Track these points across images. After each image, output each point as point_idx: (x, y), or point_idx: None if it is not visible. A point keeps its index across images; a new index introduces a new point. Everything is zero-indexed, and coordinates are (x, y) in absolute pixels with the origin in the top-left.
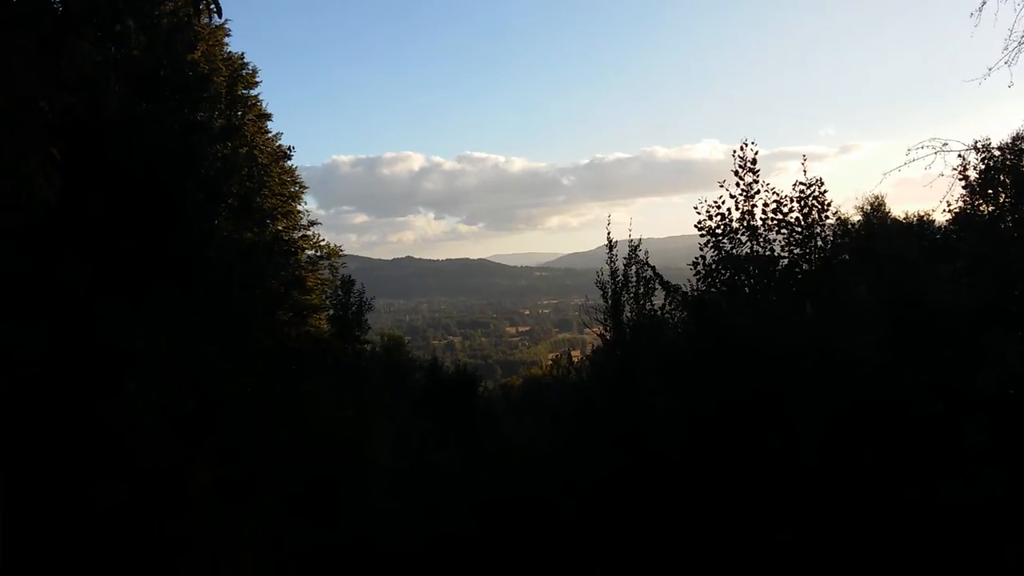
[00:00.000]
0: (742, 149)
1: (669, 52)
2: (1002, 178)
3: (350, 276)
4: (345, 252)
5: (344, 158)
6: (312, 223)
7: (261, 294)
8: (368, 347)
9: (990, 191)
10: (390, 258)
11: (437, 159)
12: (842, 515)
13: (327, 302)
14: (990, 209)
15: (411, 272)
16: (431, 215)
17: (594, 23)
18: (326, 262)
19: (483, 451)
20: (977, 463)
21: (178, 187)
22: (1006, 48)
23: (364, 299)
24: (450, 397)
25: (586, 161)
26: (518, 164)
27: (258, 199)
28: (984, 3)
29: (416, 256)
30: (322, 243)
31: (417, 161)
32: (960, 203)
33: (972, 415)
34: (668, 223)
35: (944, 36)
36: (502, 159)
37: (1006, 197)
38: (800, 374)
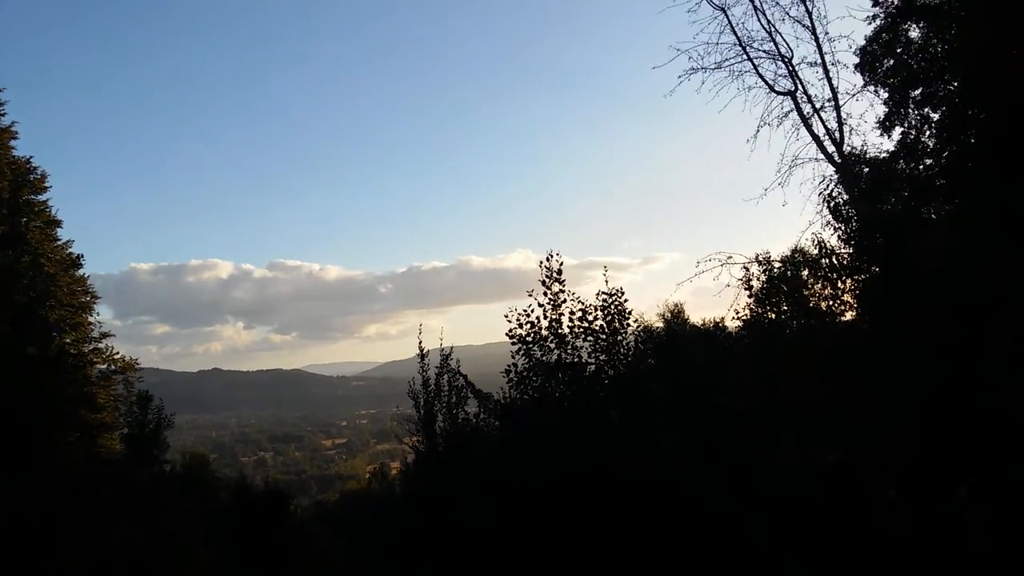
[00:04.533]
0: (548, 260)
1: (483, 163)
2: (784, 287)
3: (147, 391)
4: (144, 365)
5: (144, 266)
6: (105, 335)
7: (43, 415)
8: (168, 467)
9: (772, 300)
10: (195, 370)
11: (247, 267)
12: None
13: (121, 420)
14: (772, 317)
15: (219, 385)
16: (240, 325)
17: (406, 134)
18: (120, 376)
19: None
20: (765, 561)
21: None
22: (778, 171)
23: (164, 415)
24: (260, 518)
25: (403, 269)
26: (333, 272)
27: (42, 311)
28: (758, 130)
29: (224, 368)
30: (116, 356)
31: (225, 269)
32: (747, 311)
33: (758, 517)
34: (486, 330)
35: (735, 155)
36: (316, 267)
37: (787, 306)
38: (611, 479)
